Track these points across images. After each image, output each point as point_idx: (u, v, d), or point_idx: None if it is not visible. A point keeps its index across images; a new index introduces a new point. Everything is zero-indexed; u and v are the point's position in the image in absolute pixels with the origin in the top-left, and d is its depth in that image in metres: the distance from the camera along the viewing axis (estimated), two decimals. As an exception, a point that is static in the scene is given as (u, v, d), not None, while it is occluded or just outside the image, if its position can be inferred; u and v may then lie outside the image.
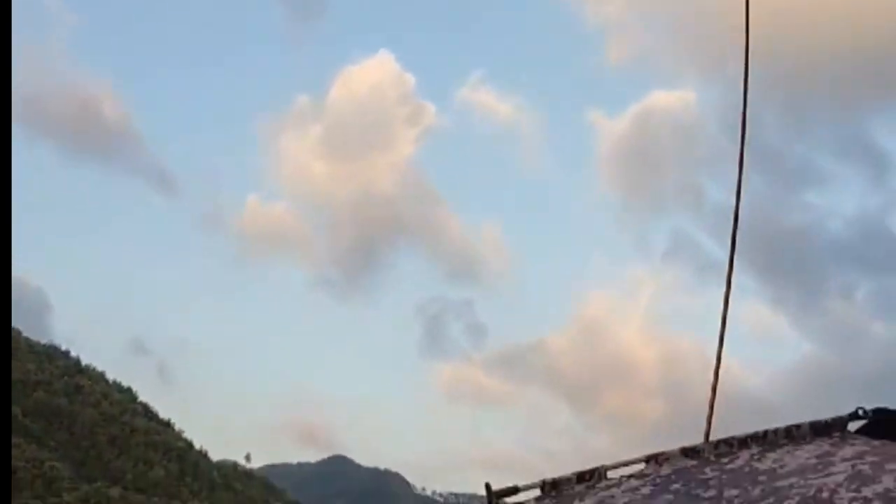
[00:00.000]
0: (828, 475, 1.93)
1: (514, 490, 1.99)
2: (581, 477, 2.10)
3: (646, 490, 2.05)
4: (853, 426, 2.46)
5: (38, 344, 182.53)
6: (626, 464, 2.15)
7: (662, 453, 2.21)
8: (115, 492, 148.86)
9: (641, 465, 2.18)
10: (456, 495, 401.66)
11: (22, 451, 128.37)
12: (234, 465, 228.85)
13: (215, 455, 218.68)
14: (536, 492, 2.02)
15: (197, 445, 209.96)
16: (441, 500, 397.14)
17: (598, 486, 2.11)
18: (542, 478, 2.02)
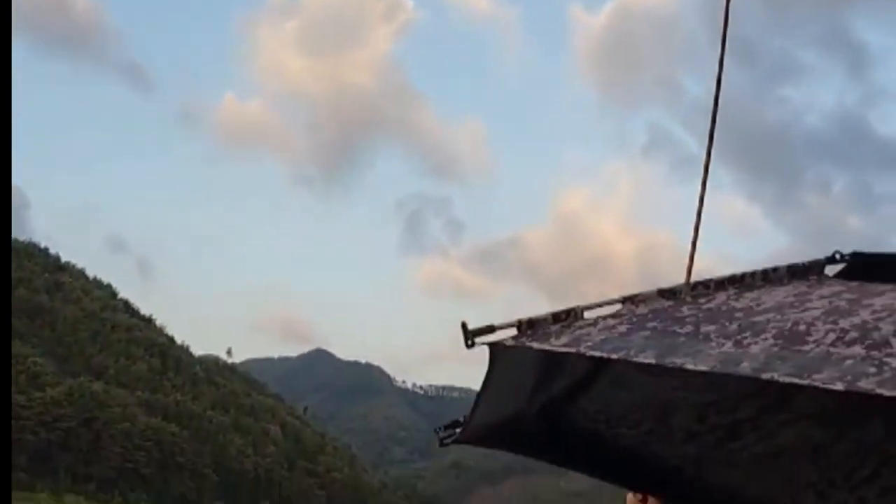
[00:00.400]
0: (804, 310, 1.93)
1: (491, 329, 1.98)
2: (557, 317, 2.10)
3: (622, 328, 2.05)
4: (831, 271, 2.45)
5: (17, 241, 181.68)
6: (602, 304, 2.14)
7: (639, 294, 2.20)
8: (98, 386, 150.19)
9: (618, 306, 2.17)
10: (435, 387, 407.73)
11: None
12: (216, 360, 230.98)
13: (197, 350, 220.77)
14: (513, 331, 2.02)
15: (179, 341, 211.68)
16: (421, 391, 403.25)
17: (574, 325, 2.11)
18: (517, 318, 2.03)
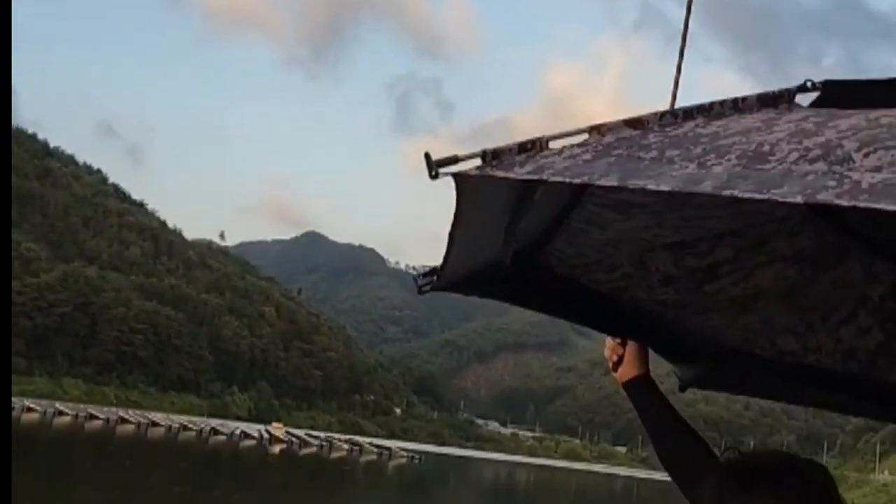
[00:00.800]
0: (770, 133, 1.90)
1: (455, 159, 1.94)
2: (522, 147, 2.06)
3: (587, 156, 2.01)
4: (804, 101, 2.40)
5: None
6: (568, 134, 2.10)
7: (605, 124, 2.16)
8: (91, 271, 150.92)
9: (584, 136, 2.13)
10: (428, 268, 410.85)
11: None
12: (209, 244, 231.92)
13: (190, 234, 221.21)
14: (477, 161, 1.98)
15: (171, 225, 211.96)
16: (414, 272, 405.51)
17: (539, 154, 2.07)
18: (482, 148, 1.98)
